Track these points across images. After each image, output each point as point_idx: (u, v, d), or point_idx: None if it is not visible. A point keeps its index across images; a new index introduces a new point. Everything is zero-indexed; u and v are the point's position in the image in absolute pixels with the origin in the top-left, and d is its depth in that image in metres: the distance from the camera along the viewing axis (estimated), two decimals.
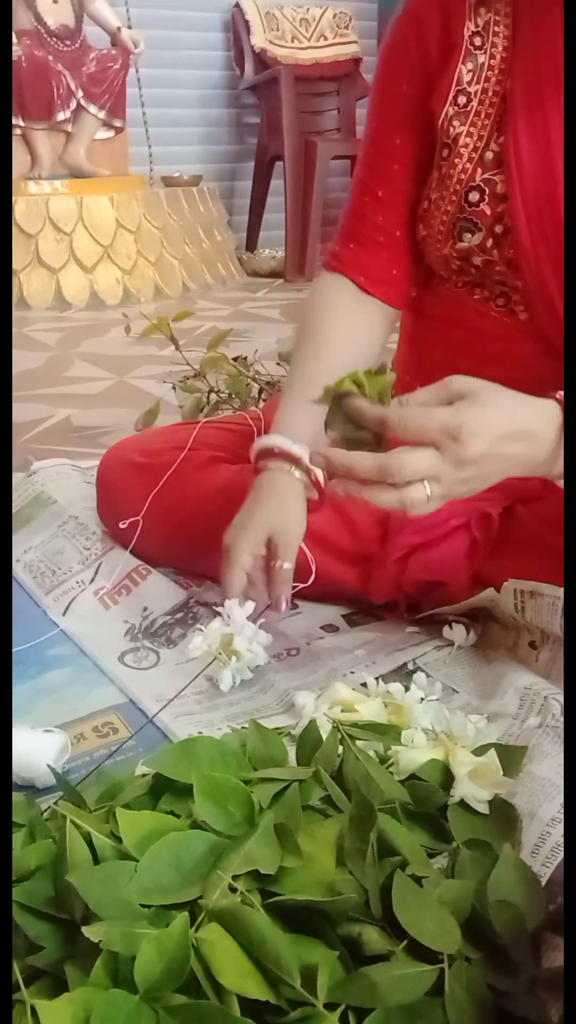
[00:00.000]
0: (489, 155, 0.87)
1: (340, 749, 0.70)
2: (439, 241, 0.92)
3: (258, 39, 3.90)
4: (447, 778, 0.67)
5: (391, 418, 0.66)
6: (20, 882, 0.54)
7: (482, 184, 0.87)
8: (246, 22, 3.92)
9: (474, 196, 0.87)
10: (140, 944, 0.48)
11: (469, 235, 0.88)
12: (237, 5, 3.95)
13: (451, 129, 0.88)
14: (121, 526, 1.02)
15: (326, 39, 4.08)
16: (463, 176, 0.88)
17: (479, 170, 0.87)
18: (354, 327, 0.96)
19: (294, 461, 0.88)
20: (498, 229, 0.87)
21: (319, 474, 0.87)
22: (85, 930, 0.48)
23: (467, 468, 0.66)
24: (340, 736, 0.70)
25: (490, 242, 0.88)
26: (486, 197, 0.87)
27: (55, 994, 0.49)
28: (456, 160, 0.88)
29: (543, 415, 0.70)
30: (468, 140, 0.87)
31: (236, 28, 3.99)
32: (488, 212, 0.87)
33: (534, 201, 0.84)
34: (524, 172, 0.84)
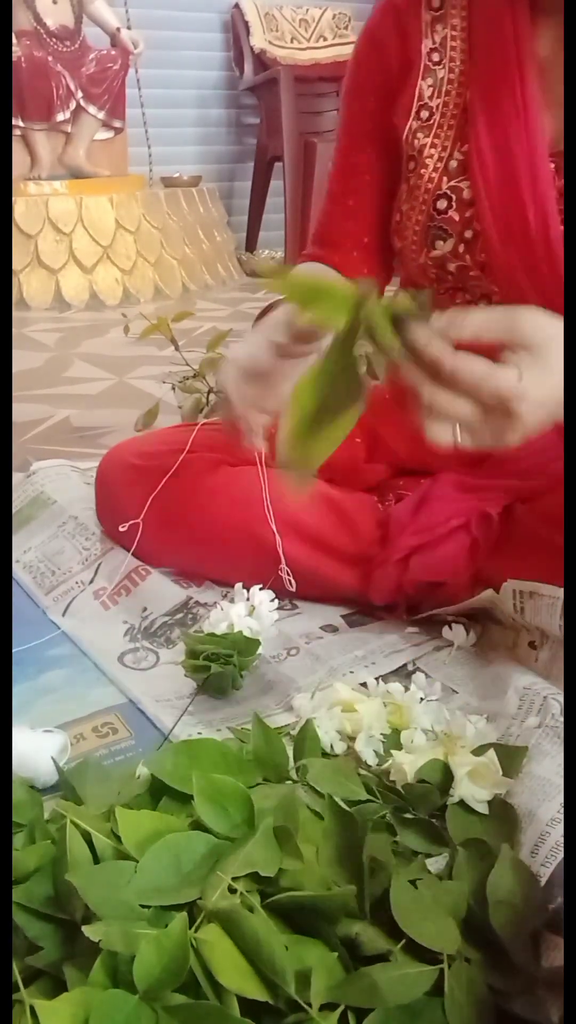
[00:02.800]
0: (454, 163, 0.89)
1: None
2: (414, 251, 0.94)
3: (257, 40, 3.90)
4: (447, 778, 0.67)
5: (446, 364, 0.60)
6: (20, 883, 0.54)
7: (448, 192, 0.90)
8: (245, 23, 3.92)
9: (442, 204, 0.90)
10: (139, 944, 0.48)
11: (441, 242, 0.91)
12: (236, 6, 3.95)
13: (415, 142, 0.91)
14: (121, 529, 1.02)
15: (325, 40, 4.08)
16: (430, 186, 0.90)
17: (445, 178, 0.90)
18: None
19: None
20: (467, 234, 0.89)
21: None
22: (85, 930, 0.48)
23: (509, 434, 0.62)
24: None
25: (461, 247, 0.90)
26: (453, 204, 0.89)
27: (54, 994, 0.49)
28: (422, 171, 0.91)
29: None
30: (432, 151, 0.90)
31: (235, 29, 3.99)
32: (456, 218, 0.89)
33: (499, 204, 0.86)
34: (488, 176, 0.86)
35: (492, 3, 0.86)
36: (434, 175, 0.90)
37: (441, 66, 0.90)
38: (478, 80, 0.87)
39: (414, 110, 0.91)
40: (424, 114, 0.91)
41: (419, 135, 0.91)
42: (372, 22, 0.95)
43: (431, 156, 0.90)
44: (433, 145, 0.90)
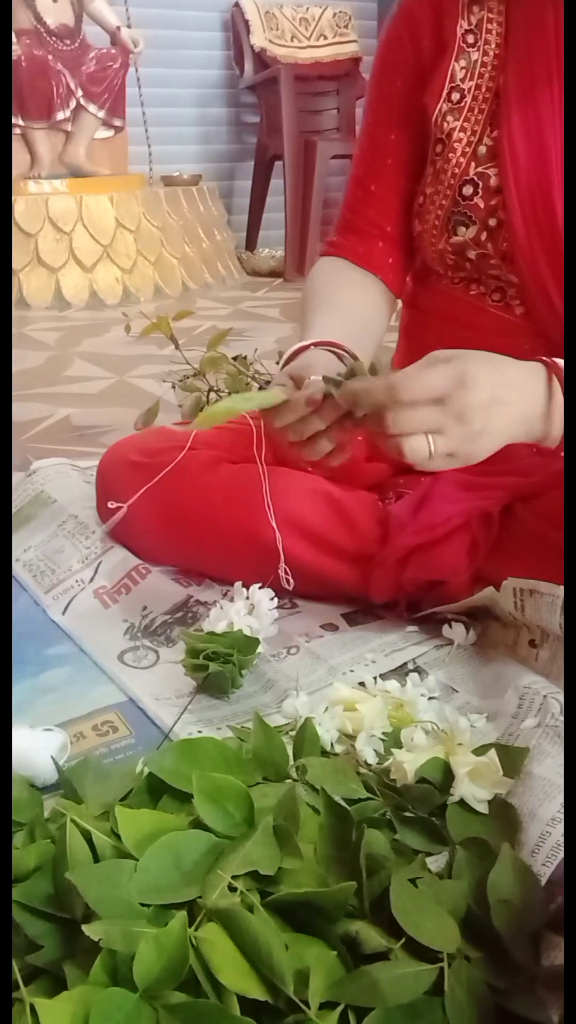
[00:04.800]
0: (483, 149, 0.88)
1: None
2: (434, 236, 0.93)
3: (257, 38, 3.90)
4: (447, 777, 0.67)
5: (397, 381, 0.67)
6: (20, 881, 0.54)
7: (475, 178, 0.89)
8: (246, 21, 3.92)
9: (468, 190, 0.89)
10: (139, 943, 0.48)
11: (463, 229, 0.90)
12: (236, 4, 3.95)
13: (445, 124, 0.90)
14: (109, 506, 1.03)
15: (326, 38, 4.08)
16: (457, 170, 0.89)
17: (473, 164, 0.89)
18: (359, 292, 0.98)
19: (335, 348, 0.86)
20: (492, 222, 0.88)
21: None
22: (85, 928, 0.48)
23: (474, 419, 0.68)
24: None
25: (484, 235, 0.89)
26: (480, 191, 0.88)
27: (54, 992, 0.49)
28: (450, 155, 0.89)
29: (529, 371, 0.72)
30: (462, 135, 0.89)
31: (235, 27, 3.99)
32: (482, 205, 0.88)
33: (528, 194, 0.85)
34: (518, 165, 0.85)
35: None
36: (462, 160, 0.89)
37: (475, 48, 0.88)
38: (513, 65, 0.86)
39: (445, 91, 0.90)
40: (455, 96, 0.89)
41: (449, 118, 0.89)
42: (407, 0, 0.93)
43: (460, 140, 0.89)
44: (463, 129, 0.89)
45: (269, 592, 0.92)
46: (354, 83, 4.08)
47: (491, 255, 0.89)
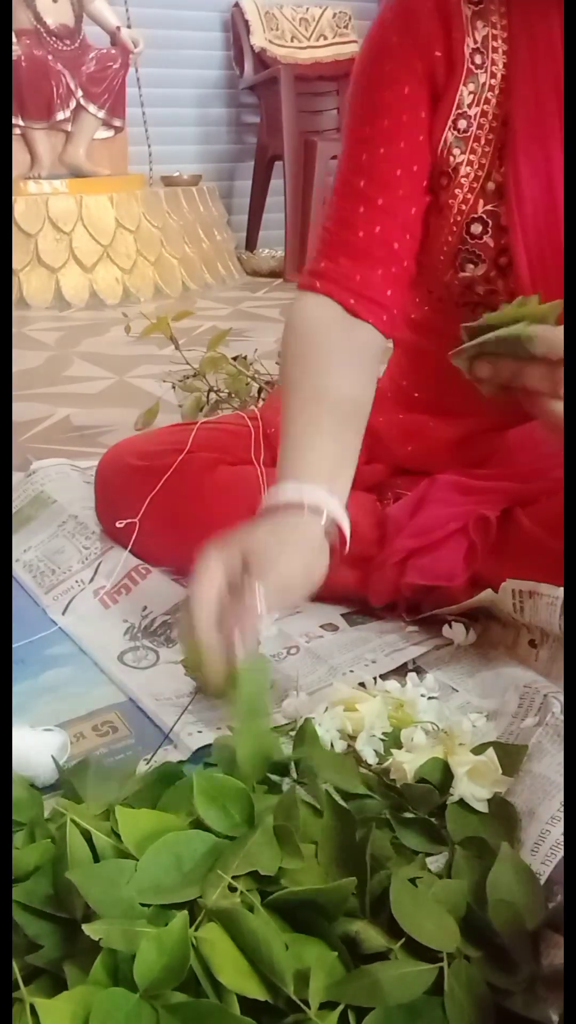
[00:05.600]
0: (491, 185, 0.83)
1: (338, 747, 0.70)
2: (439, 270, 0.89)
3: (257, 39, 3.90)
4: (446, 777, 0.67)
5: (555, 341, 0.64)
6: (20, 881, 0.54)
7: (484, 216, 0.84)
8: (245, 21, 3.92)
9: (476, 228, 0.84)
10: (140, 943, 0.48)
11: (472, 266, 0.86)
12: (236, 4, 3.95)
13: (451, 158, 0.83)
14: (118, 525, 1.02)
15: (326, 39, 4.08)
16: (464, 207, 0.84)
17: (481, 201, 0.84)
18: (348, 357, 0.84)
19: (319, 514, 0.75)
20: (502, 261, 0.85)
21: (345, 524, 0.77)
22: (85, 927, 0.48)
23: None
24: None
25: (493, 273, 0.85)
26: (489, 229, 0.84)
27: (54, 992, 0.48)
28: (456, 191, 0.84)
29: None
30: (468, 169, 0.83)
31: (235, 27, 3.99)
32: (492, 244, 0.84)
33: (534, 234, 0.81)
34: (524, 204, 0.80)
35: (536, 4, 0.77)
36: (469, 196, 0.83)
37: (483, 70, 0.81)
38: (519, 89, 0.79)
39: (451, 119, 0.82)
40: (462, 124, 0.82)
41: (455, 151, 0.83)
42: (401, 7, 0.82)
43: (467, 176, 0.83)
44: (469, 163, 0.82)
45: None
46: None
47: (500, 292, 0.85)
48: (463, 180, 0.83)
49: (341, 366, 0.83)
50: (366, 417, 0.85)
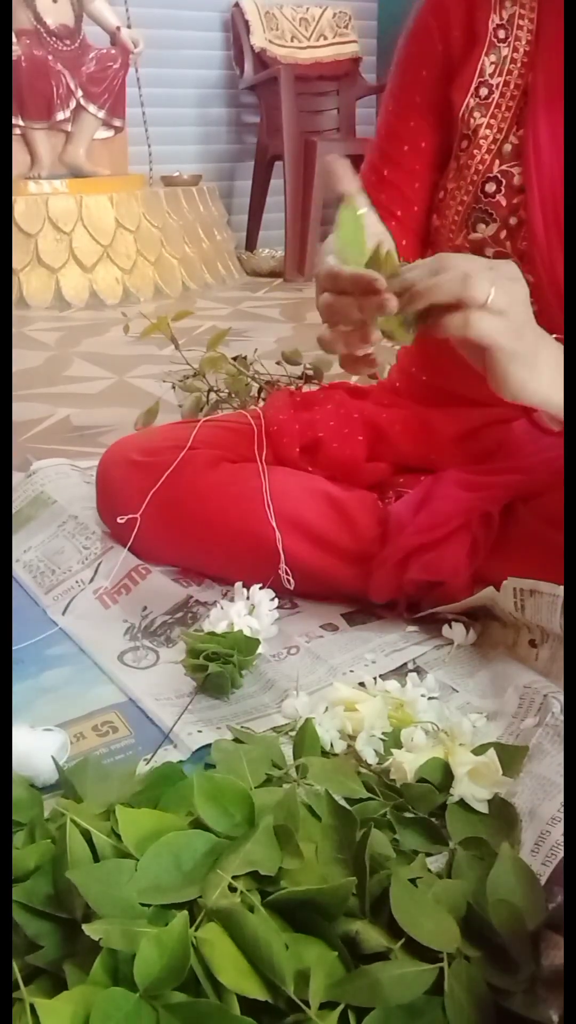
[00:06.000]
0: (508, 147, 0.88)
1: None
2: (452, 231, 0.93)
3: (258, 39, 3.90)
4: (447, 777, 0.67)
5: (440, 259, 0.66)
6: (20, 881, 0.54)
7: (499, 175, 0.89)
8: (246, 21, 3.92)
9: (491, 187, 0.89)
10: (140, 942, 0.48)
11: (483, 226, 0.90)
12: (236, 4, 3.95)
13: (471, 120, 0.90)
14: (119, 521, 1.02)
15: (326, 39, 4.08)
16: (481, 167, 0.89)
17: (497, 161, 0.89)
18: None
19: None
20: (512, 221, 0.89)
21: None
22: (85, 927, 0.48)
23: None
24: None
25: (503, 233, 0.89)
26: (503, 188, 0.88)
27: (54, 992, 0.49)
28: (475, 151, 0.89)
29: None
30: (488, 132, 0.89)
31: (235, 27, 3.99)
32: (504, 203, 0.89)
33: (551, 194, 0.85)
34: (542, 165, 0.85)
35: None
36: (486, 157, 0.89)
37: (506, 44, 0.88)
38: (543, 64, 0.86)
39: (473, 86, 0.89)
40: (483, 92, 0.89)
41: (476, 114, 0.89)
42: None
43: (486, 137, 0.89)
44: (489, 126, 0.89)
45: (270, 592, 0.92)
46: (354, 83, 4.08)
47: (509, 254, 0.89)
48: (481, 141, 0.89)
49: None
50: None
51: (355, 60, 4.09)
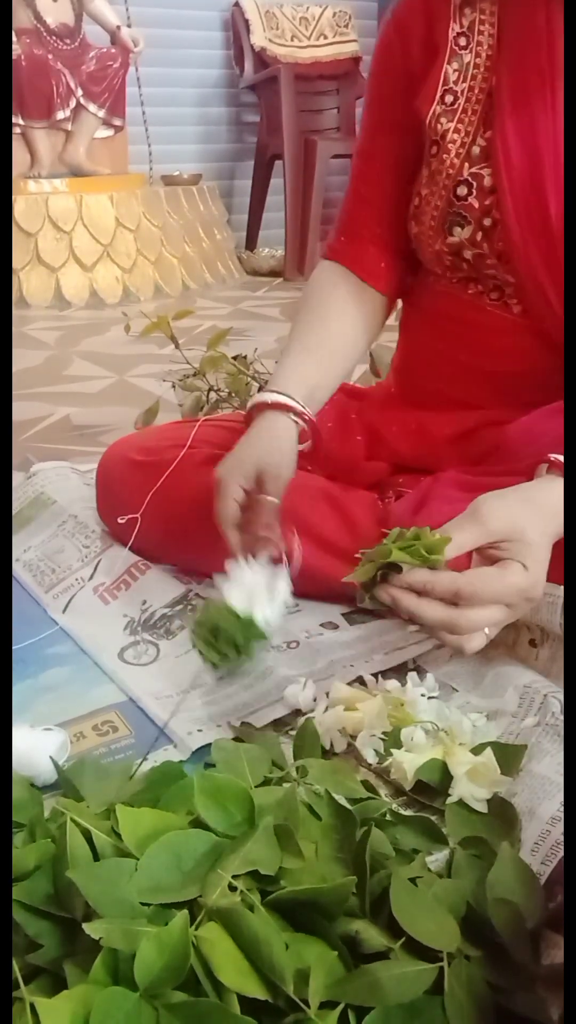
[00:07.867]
0: (476, 150, 0.89)
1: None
2: (430, 237, 0.94)
3: (258, 38, 3.90)
4: (446, 777, 0.67)
5: (464, 588, 0.70)
6: (20, 880, 0.54)
7: (470, 178, 0.89)
8: (246, 21, 3.92)
9: (462, 190, 0.90)
10: (140, 942, 0.48)
11: (459, 229, 0.91)
12: (237, 4, 3.95)
13: (438, 127, 0.90)
14: (120, 521, 1.02)
15: (326, 38, 4.08)
16: (451, 171, 0.90)
17: (467, 164, 0.89)
18: (352, 304, 1.01)
19: (288, 410, 0.91)
20: (486, 222, 0.89)
21: (310, 416, 0.92)
22: (85, 927, 0.48)
23: (536, 590, 0.73)
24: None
25: (479, 235, 0.90)
26: (474, 191, 0.89)
27: (55, 992, 0.48)
28: (444, 156, 0.90)
29: (556, 492, 0.76)
30: (456, 136, 0.90)
31: (236, 27, 3.99)
32: (476, 205, 0.89)
33: (521, 193, 0.85)
34: (512, 165, 0.86)
35: None
36: (456, 160, 0.90)
37: (468, 50, 0.89)
38: (506, 66, 0.86)
39: (438, 94, 0.90)
40: (448, 98, 0.90)
41: (443, 120, 0.90)
42: (399, 6, 0.94)
43: (454, 141, 0.90)
44: (456, 130, 0.89)
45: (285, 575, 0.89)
46: (354, 83, 4.08)
47: (487, 255, 0.90)
48: (450, 146, 0.90)
49: (344, 312, 1.00)
50: (356, 354, 1.02)
51: (355, 59, 4.09)
